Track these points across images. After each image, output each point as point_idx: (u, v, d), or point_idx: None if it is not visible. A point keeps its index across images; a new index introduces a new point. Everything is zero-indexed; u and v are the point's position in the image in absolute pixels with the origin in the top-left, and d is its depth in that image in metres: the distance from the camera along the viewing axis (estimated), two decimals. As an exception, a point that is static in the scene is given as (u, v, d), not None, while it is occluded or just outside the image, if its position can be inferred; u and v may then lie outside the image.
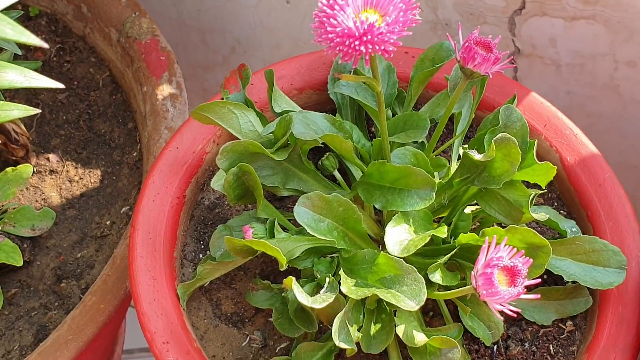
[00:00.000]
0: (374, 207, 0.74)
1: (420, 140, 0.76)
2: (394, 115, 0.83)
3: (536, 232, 0.64)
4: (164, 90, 1.01)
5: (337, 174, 0.79)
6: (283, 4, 1.17)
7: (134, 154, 1.04)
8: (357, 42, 0.56)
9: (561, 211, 0.83)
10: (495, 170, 0.68)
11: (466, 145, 0.77)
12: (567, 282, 0.74)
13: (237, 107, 0.76)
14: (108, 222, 0.99)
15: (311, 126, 0.70)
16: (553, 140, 0.84)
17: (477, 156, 0.67)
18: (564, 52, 1.05)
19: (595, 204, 0.80)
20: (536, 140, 0.70)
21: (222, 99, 0.84)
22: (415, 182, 0.67)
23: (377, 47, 0.57)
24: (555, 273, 0.73)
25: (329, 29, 0.57)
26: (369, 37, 0.57)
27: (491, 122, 0.74)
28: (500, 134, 0.66)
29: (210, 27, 1.27)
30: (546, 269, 0.70)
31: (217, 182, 0.73)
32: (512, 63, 1.09)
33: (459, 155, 0.78)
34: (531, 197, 0.69)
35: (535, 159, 0.69)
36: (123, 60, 1.07)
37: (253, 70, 1.30)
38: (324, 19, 0.57)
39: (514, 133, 0.70)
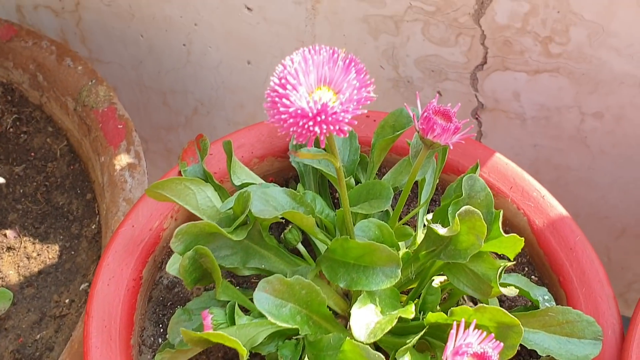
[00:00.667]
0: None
1: (385, 209, 0.74)
2: (357, 182, 0.81)
3: (506, 312, 0.62)
4: (122, 160, 0.98)
5: (301, 247, 0.77)
6: (244, 64, 1.15)
7: (93, 227, 1.01)
8: (310, 123, 0.54)
9: (532, 276, 0.81)
10: (460, 244, 0.66)
11: (430, 216, 0.74)
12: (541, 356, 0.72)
13: (193, 182, 0.73)
14: (67, 300, 0.95)
15: (271, 202, 0.67)
16: (520, 203, 0.82)
17: (441, 230, 0.65)
18: (528, 105, 1.04)
19: (567, 269, 0.78)
20: (501, 211, 0.68)
21: (180, 172, 0.81)
22: (380, 259, 0.65)
23: (332, 127, 0.54)
24: (529, 347, 0.70)
25: (281, 109, 0.54)
26: (323, 117, 0.54)
27: (455, 191, 0.72)
28: (464, 207, 0.64)
29: (172, 89, 1.24)
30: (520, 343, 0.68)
31: (173, 267, 0.69)
32: (477, 118, 1.08)
33: (424, 223, 0.76)
34: (499, 270, 0.66)
35: (502, 230, 0.67)
36: (80, 129, 1.04)
37: (216, 133, 1.28)
38: (277, 98, 0.55)
39: (478, 203, 0.68)
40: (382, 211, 0.74)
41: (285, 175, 0.87)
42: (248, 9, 1.07)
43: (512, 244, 0.67)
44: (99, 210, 1.01)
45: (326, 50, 0.56)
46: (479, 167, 0.71)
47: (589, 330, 0.71)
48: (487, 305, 0.62)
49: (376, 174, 0.81)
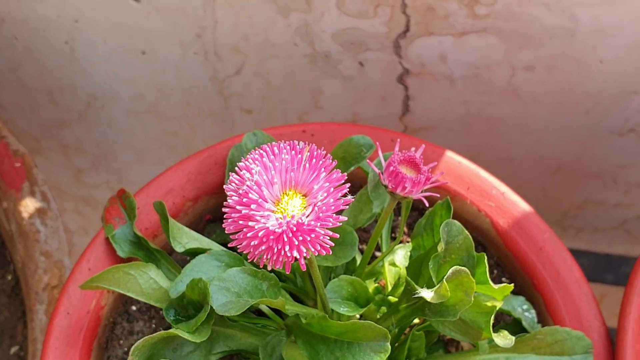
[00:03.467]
0: None
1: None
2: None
3: None
4: (28, 205, 0.87)
5: (265, 308, 0.69)
6: (138, 55, 1.03)
7: (9, 278, 0.90)
8: (287, 248, 0.46)
9: (503, 278, 0.77)
10: (448, 300, 0.60)
11: (400, 253, 0.68)
12: (536, 382, 0.68)
13: (132, 267, 0.65)
14: (0, 369, 0.86)
15: (232, 289, 0.59)
16: (480, 203, 0.77)
17: (427, 296, 0.59)
18: (456, 66, 0.97)
19: (540, 271, 0.74)
20: (484, 255, 0.62)
21: (107, 237, 0.72)
22: (365, 335, 0.59)
23: (312, 248, 0.46)
24: (523, 377, 0.67)
25: (249, 234, 0.46)
26: (300, 237, 0.46)
27: (424, 228, 0.66)
28: (451, 270, 0.58)
29: (60, 87, 1.11)
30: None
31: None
32: (402, 84, 1.01)
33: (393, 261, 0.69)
34: (491, 317, 0.61)
35: (489, 277, 0.62)
36: (-31, 169, 0.92)
37: (115, 125, 1.17)
38: (240, 221, 0.46)
39: (457, 248, 0.62)
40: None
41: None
42: (135, 0, 0.95)
43: (502, 292, 0.62)
44: (11, 258, 0.90)
45: (287, 151, 0.47)
46: (451, 206, 0.64)
47: (579, 345, 0.68)
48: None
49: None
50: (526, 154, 1.11)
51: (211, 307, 0.59)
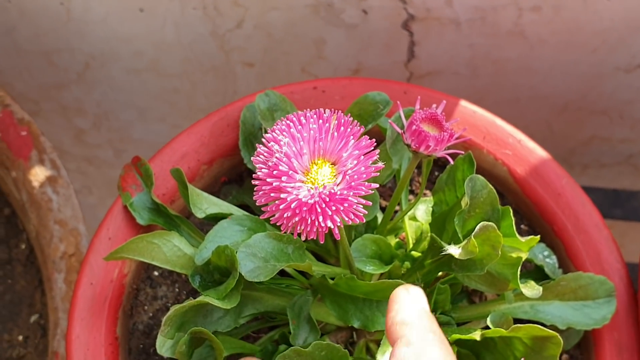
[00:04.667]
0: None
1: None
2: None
3: (542, 327, 0.58)
4: (38, 174, 0.86)
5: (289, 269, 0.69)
6: (136, 13, 1.01)
7: (23, 247, 0.90)
8: (321, 219, 0.45)
9: (522, 225, 0.77)
10: (476, 255, 0.60)
11: (422, 208, 0.68)
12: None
13: (155, 236, 0.64)
14: (20, 338, 0.86)
15: (259, 255, 0.59)
16: (497, 152, 0.76)
17: (455, 252, 0.59)
18: (462, 9, 0.96)
19: (559, 217, 0.74)
20: (509, 208, 0.62)
21: (125, 205, 0.71)
22: (394, 293, 0.58)
23: (345, 217, 0.46)
24: (549, 324, 0.67)
25: (281, 207, 0.45)
26: (333, 207, 0.46)
27: (445, 183, 0.65)
28: (478, 226, 0.57)
29: (56, 48, 1.09)
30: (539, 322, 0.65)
31: (164, 347, 0.61)
32: (408, 30, 0.99)
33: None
34: (517, 268, 0.62)
35: (514, 229, 0.62)
36: (-26, 138, 0.90)
37: (116, 84, 1.15)
38: (272, 193, 0.46)
39: (481, 202, 0.62)
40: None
41: (238, 171, 0.78)
42: (131, -42, 0.92)
43: (528, 244, 0.62)
44: (24, 228, 0.90)
45: (314, 120, 0.46)
46: (473, 160, 0.64)
47: (602, 289, 0.69)
48: (521, 325, 0.58)
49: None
50: (533, 94, 1.10)
51: (239, 273, 0.58)
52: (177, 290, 0.74)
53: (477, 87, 1.08)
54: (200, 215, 0.68)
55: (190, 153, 0.74)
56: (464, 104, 0.77)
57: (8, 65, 1.14)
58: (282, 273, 0.70)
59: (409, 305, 0.50)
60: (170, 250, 0.65)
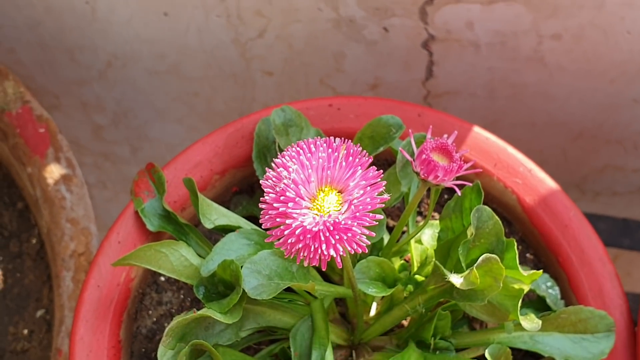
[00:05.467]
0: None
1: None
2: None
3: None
4: (53, 171, 0.87)
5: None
6: (160, 16, 1.02)
7: (34, 241, 0.91)
8: (324, 247, 0.46)
9: (527, 254, 0.78)
10: (477, 285, 0.61)
11: (428, 233, 0.69)
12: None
13: (163, 245, 0.65)
14: (25, 332, 0.87)
15: (263, 272, 0.60)
16: (507, 180, 0.77)
17: (457, 281, 0.59)
18: (482, 33, 0.96)
19: (565, 248, 0.74)
20: (514, 241, 0.63)
21: (137, 211, 0.72)
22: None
23: (349, 247, 0.47)
24: (546, 355, 0.68)
25: (286, 232, 0.46)
26: (337, 236, 0.47)
27: (453, 210, 0.66)
28: (481, 258, 0.58)
29: (80, 45, 1.11)
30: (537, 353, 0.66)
31: (165, 357, 0.62)
32: (427, 49, 1.00)
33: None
34: (519, 301, 0.62)
35: (517, 263, 0.62)
36: (-5, 133, 0.92)
37: (137, 85, 1.16)
38: (278, 218, 0.47)
39: (487, 233, 0.62)
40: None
41: (249, 182, 0.79)
42: (158, -37, 0.93)
43: (530, 278, 0.62)
44: (36, 222, 0.91)
45: (323, 148, 0.47)
46: (481, 190, 0.64)
47: (601, 324, 0.69)
48: None
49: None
50: (549, 120, 1.10)
51: (243, 289, 0.59)
52: (182, 296, 0.75)
53: (493, 110, 1.09)
54: (209, 225, 0.69)
55: (204, 162, 0.75)
56: (477, 130, 0.78)
57: (31, 59, 1.15)
58: (286, 287, 0.71)
59: None
60: (178, 259, 0.66)
